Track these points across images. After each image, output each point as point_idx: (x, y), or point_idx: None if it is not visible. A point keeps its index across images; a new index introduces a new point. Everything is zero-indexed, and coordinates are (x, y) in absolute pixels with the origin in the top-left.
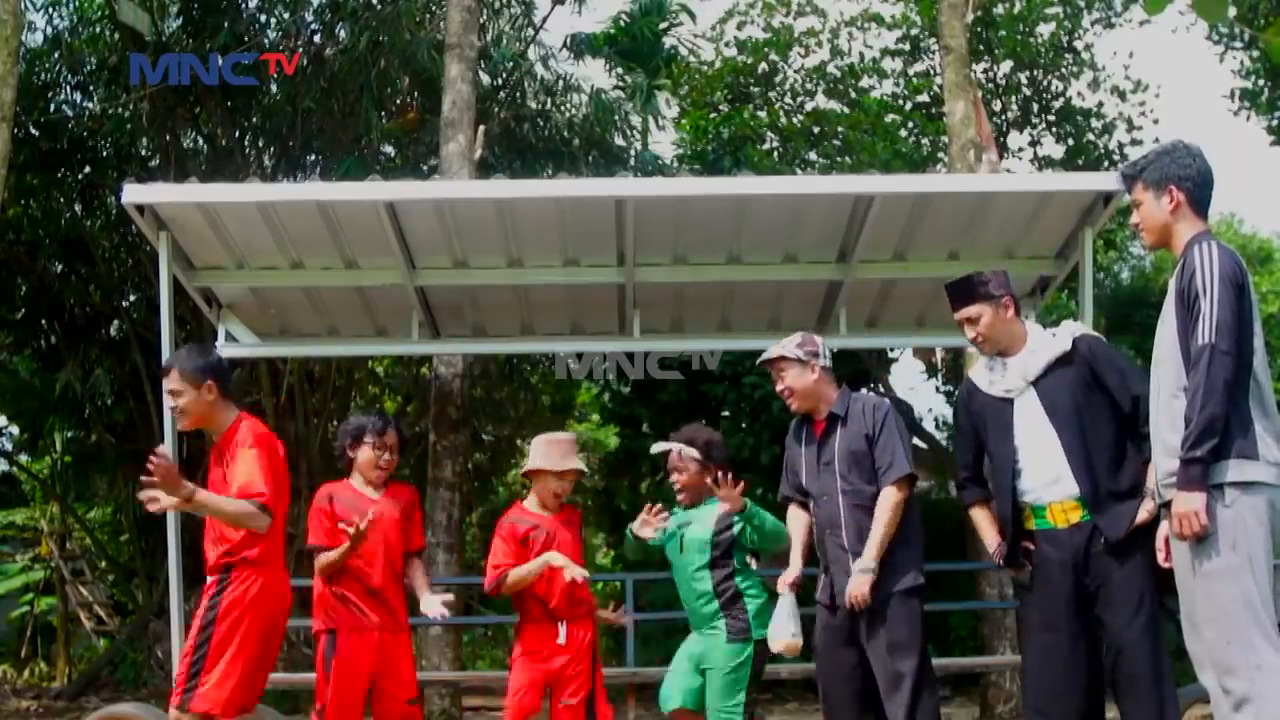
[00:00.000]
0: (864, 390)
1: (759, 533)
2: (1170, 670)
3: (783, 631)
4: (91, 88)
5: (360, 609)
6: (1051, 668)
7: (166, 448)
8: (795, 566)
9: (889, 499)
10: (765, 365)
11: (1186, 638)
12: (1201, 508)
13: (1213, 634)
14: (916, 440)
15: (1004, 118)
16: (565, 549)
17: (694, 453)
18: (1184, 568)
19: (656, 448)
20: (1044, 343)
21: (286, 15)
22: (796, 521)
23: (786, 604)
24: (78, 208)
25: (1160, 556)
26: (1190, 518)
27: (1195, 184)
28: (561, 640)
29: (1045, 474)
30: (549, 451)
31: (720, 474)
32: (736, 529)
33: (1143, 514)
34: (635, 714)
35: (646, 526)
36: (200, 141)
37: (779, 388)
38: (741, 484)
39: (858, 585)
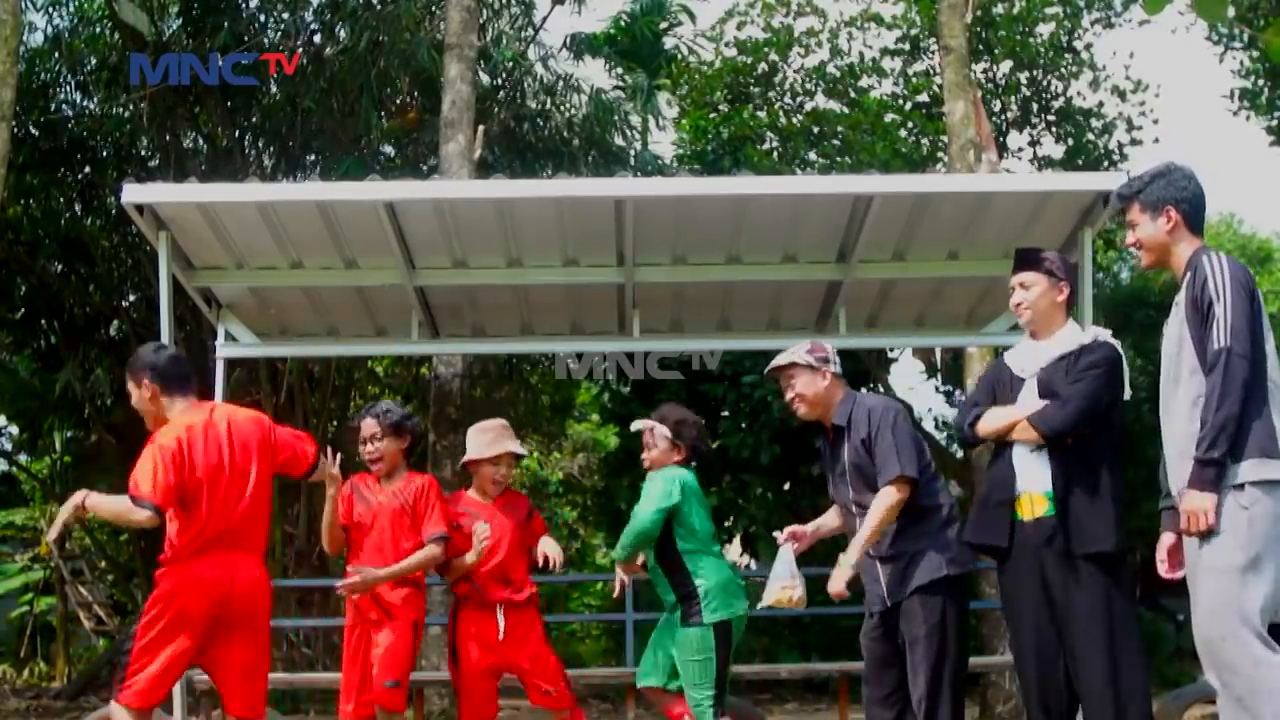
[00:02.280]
0: (870, 391)
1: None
2: (1135, 674)
3: (772, 585)
4: (91, 88)
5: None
6: (1031, 654)
7: None
8: (806, 526)
9: (881, 498)
10: (773, 373)
11: (1196, 637)
12: (1211, 508)
13: (1213, 630)
14: None
15: (1003, 118)
16: (502, 534)
17: (665, 431)
18: (1194, 565)
19: (636, 425)
20: (1067, 338)
21: (286, 15)
22: (830, 515)
23: (782, 556)
24: (77, 207)
25: (1163, 568)
26: (1199, 516)
27: (1190, 205)
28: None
29: (1024, 462)
30: (478, 440)
31: None
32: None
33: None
34: (635, 714)
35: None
36: (200, 141)
37: (787, 395)
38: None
39: (833, 582)
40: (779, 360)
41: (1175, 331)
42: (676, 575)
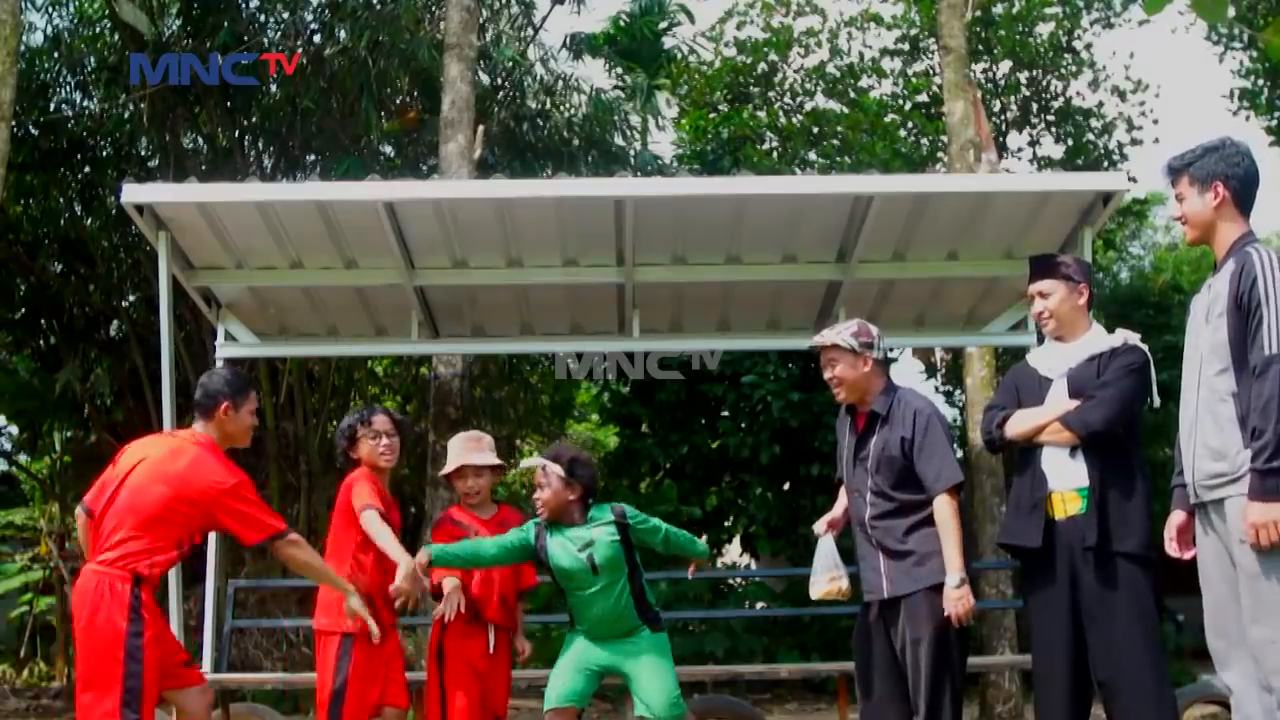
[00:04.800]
0: (910, 389)
1: (654, 537)
2: (1165, 673)
3: (820, 578)
4: (91, 87)
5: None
6: (1059, 651)
7: None
8: (835, 512)
9: (945, 509)
10: (815, 349)
11: (1210, 636)
12: None
13: (1262, 634)
14: None
15: (1003, 117)
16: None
17: (558, 469)
18: (1215, 567)
19: (525, 463)
20: (1096, 340)
21: (286, 15)
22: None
23: (824, 548)
24: (77, 207)
25: (1171, 547)
26: (1269, 527)
27: (1241, 182)
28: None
29: (1053, 461)
30: (448, 455)
31: None
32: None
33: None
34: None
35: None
36: (199, 141)
37: (826, 375)
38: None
39: (958, 602)
40: (824, 337)
41: (1202, 312)
42: (643, 599)
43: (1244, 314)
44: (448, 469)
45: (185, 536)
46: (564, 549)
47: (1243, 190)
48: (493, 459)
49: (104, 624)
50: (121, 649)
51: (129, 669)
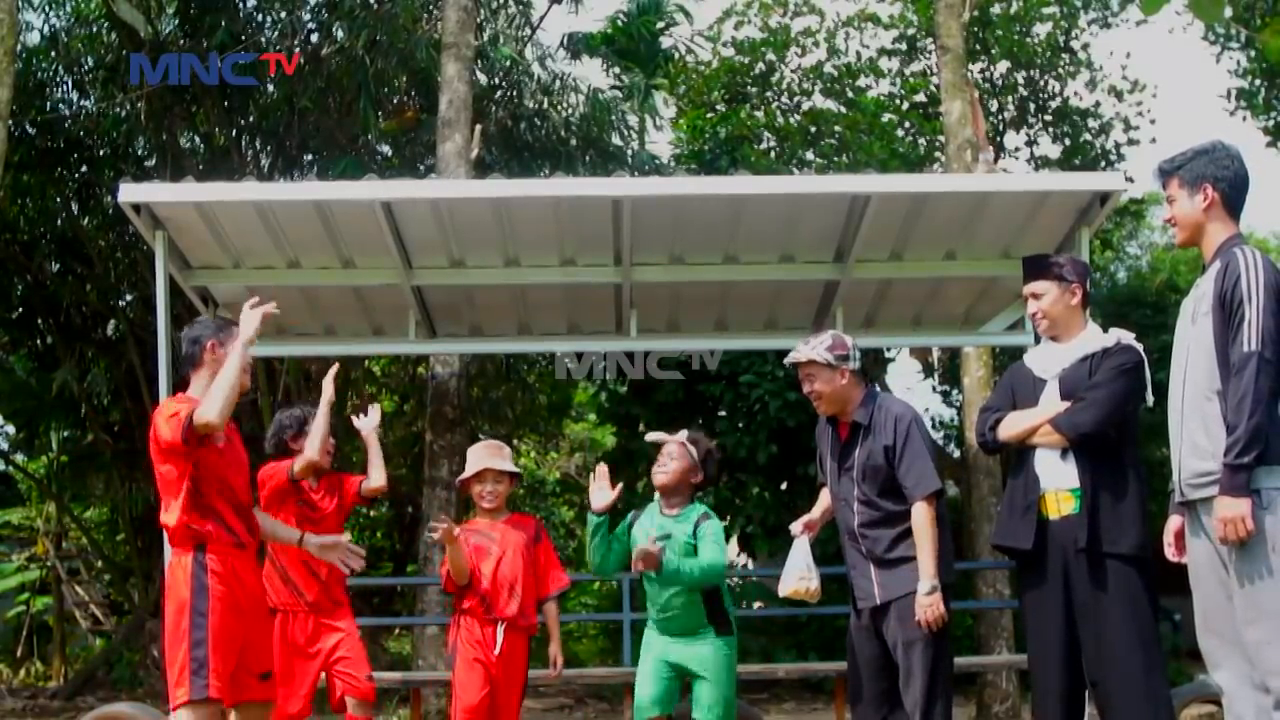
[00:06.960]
0: (889, 394)
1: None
2: (1161, 676)
3: (789, 577)
4: (88, 87)
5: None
6: (1054, 650)
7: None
8: (813, 514)
9: (922, 516)
10: (792, 365)
11: (1201, 636)
12: (1248, 513)
13: (1256, 635)
14: None
15: (1001, 117)
16: (508, 555)
17: (692, 449)
18: (1207, 567)
19: (659, 436)
20: (1090, 340)
21: (284, 14)
22: (826, 497)
23: (798, 548)
24: (74, 207)
25: (1170, 552)
26: (1237, 523)
27: (1231, 185)
28: (497, 649)
29: (1045, 462)
30: (469, 460)
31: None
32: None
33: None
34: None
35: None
36: (197, 141)
37: (806, 389)
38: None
39: (928, 609)
40: (799, 354)
41: (1190, 312)
42: (716, 601)
43: (1227, 312)
44: (468, 473)
45: (188, 481)
46: (644, 534)
47: (1232, 193)
48: (513, 467)
49: (173, 600)
50: (185, 616)
51: (194, 637)
